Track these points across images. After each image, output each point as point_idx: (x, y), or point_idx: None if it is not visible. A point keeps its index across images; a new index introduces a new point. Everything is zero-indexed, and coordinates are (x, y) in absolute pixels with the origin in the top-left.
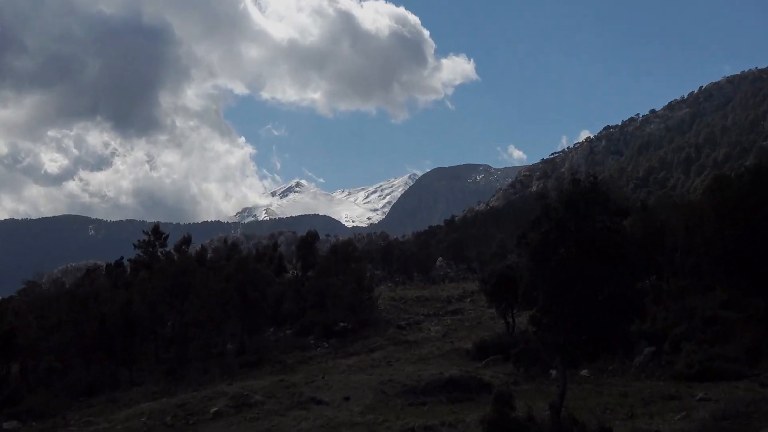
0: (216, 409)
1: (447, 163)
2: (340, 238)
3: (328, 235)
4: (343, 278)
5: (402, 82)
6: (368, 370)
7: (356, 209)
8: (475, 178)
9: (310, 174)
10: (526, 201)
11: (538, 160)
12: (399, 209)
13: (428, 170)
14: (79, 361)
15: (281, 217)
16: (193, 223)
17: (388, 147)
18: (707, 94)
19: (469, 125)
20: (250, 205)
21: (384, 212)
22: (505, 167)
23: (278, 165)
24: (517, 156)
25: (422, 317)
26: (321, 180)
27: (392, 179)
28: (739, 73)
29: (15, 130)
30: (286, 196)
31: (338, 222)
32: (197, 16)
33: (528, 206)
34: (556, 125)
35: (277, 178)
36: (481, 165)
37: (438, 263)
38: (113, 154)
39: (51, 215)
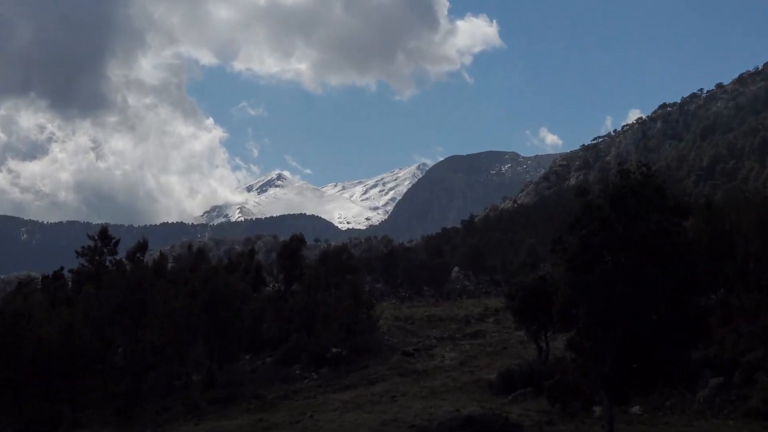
0: None
1: (464, 151)
2: (333, 244)
3: (317, 240)
4: (336, 293)
5: (408, 50)
6: (367, 407)
7: (352, 207)
8: (500, 168)
9: (294, 164)
10: (562, 197)
11: (577, 147)
12: (405, 207)
13: (441, 159)
14: (9, 396)
15: (259, 217)
16: (150, 225)
17: (391, 130)
18: None
19: (492, 103)
20: (220, 203)
21: (386, 211)
22: (536, 155)
23: (255, 152)
24: (551, 141)
25: (434, 341)
26: (308, 171)
27: (396, 170)
28: None
29: None
30: (265, 191)
31: (330, 223)
32: None
33: (565, 203)
34: (599, 103)
35: (254, 168)
36: (506, 152)
37: (454, 274)
38: (50, 139)
39: None
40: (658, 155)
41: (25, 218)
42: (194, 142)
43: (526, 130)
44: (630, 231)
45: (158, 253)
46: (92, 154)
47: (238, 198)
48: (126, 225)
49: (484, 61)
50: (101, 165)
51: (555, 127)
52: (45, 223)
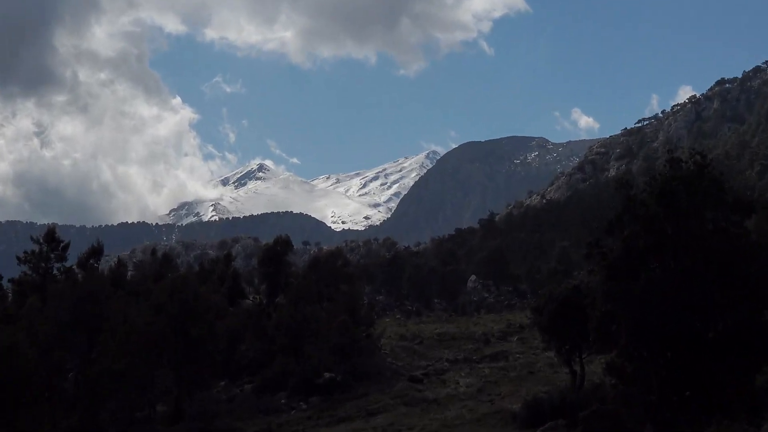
0: None
1: (482, 136)
2: (325, 247)
3: (306, 243)
4: (328, 307)
5: (414, 15)
6: None
7: (348, 204)
8: (525, 157)
9: (278, 152)
10: (599, 191)
11: (617, 131)
12: (411, 204)
13: (454, 146)
14: None
15: (237, 216)
16: (106, 225)
17: (394, 112)
18: None
19: (515, 79)
20: (190, 199)
21: (390, 208)
22: (569, 141)
23: (232, 137)
24: (586, 125)
25: (447, 364)
26: (295, 161)
27: (401, 160)
28: None
29: None
30: (244, 185)
31: (322, 223)
32: None
33: (603, 199)
34: (643, 79)
35: (230, 157)
36: (532, 138)
37: (470, 284)
38: None
39: None
40: (715, 141)
41: None
42: (158, 126)
43: (556, 111)
44: (681, 231)
45: (116, 260)
46: (36, 141)
47: (211, 193)
48: (77, 225)
49: (505, 28)
50: (47, 153)
51: (590, 107)
52: None
